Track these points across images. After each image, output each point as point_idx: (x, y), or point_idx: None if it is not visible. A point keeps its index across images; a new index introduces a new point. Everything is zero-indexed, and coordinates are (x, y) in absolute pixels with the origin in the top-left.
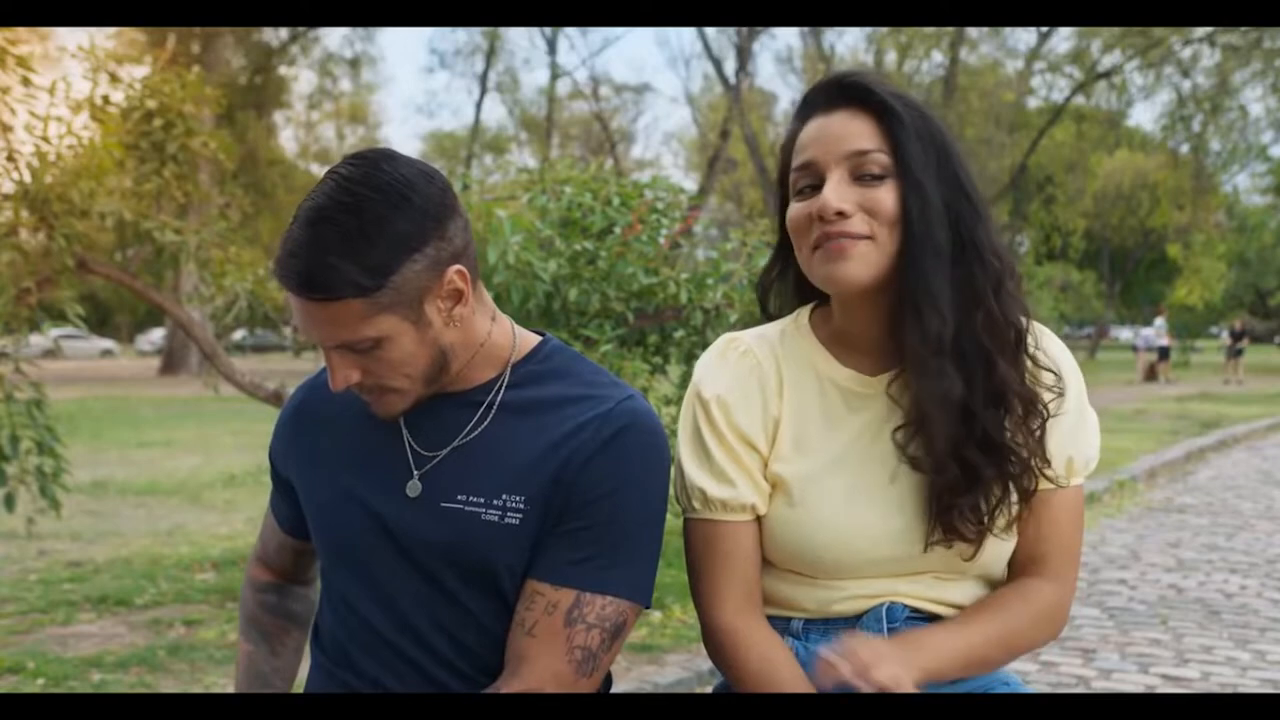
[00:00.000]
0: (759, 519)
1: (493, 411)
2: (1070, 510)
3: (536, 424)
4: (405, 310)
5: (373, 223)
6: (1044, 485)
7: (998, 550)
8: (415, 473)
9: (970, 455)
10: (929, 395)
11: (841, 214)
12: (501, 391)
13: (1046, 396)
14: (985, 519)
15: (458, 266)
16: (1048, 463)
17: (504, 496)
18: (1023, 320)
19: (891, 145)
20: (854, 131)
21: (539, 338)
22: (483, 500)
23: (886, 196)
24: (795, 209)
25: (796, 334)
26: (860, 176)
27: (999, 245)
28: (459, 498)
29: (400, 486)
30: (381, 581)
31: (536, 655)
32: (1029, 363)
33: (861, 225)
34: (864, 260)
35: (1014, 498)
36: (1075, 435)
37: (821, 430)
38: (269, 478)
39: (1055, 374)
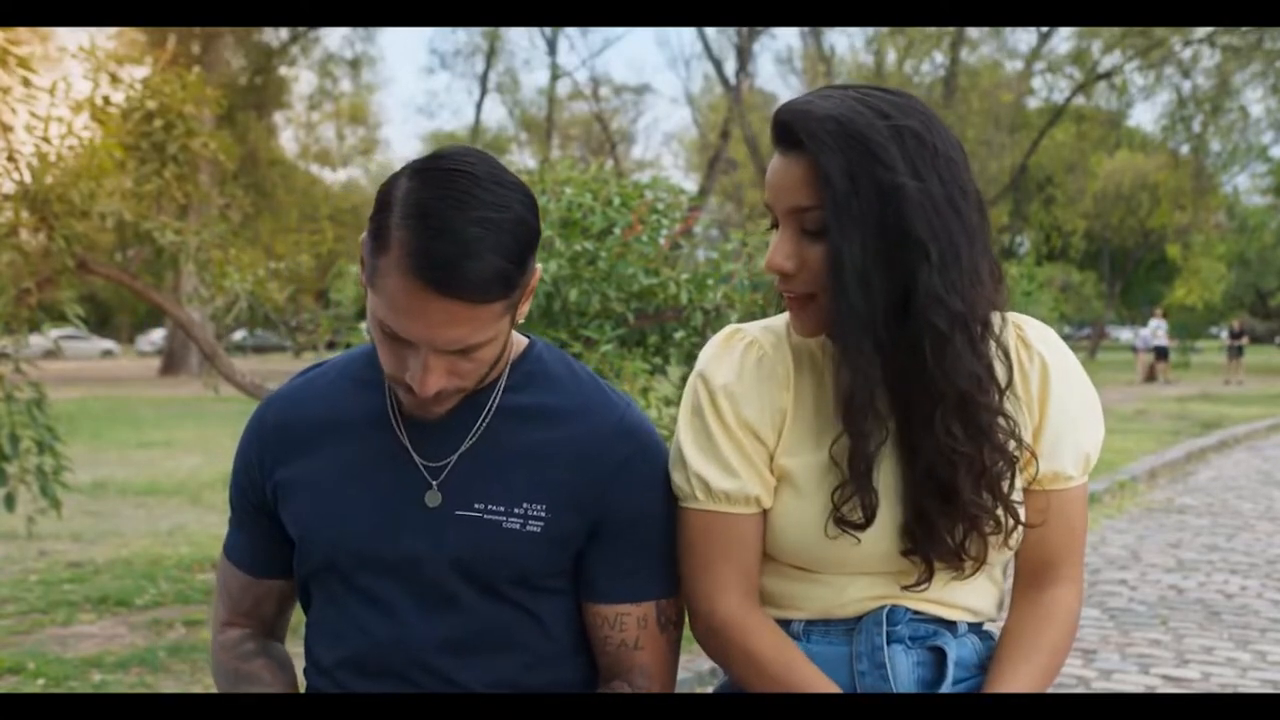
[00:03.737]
0: (763, 512)
1: (493, 412)
2: (1080, 506)
3: (545, 431)
4: (515, 310)
5: (518, 221)
6: (1058, 485)
7: (1002, 555)
8: (433, 482)
9: (923, 504)
10: (853, 454)
11: (784, 273)
12: (501, 393)
13: (1011, 444)
14: (962, 553)
15: (539, 265)
16: (1016, 512)
17: (524, 505)
18: (970, 378)
19: (823, 200)
20: (791, 183)
21: (526, 339)
22: (502, 509)
23: (821, 256)
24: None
25: None
26: (804, 230)
27: (949, 297)
28: (476, 506)
29: (415, 497)
30: (393, 596)
31: (654, 663)
32: (994, 408)
33: (804, 285)
34: (813, 318)
35: (988, 530)
36: (1087, 428)
37: (828, 425)
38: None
39: (1014, 429)
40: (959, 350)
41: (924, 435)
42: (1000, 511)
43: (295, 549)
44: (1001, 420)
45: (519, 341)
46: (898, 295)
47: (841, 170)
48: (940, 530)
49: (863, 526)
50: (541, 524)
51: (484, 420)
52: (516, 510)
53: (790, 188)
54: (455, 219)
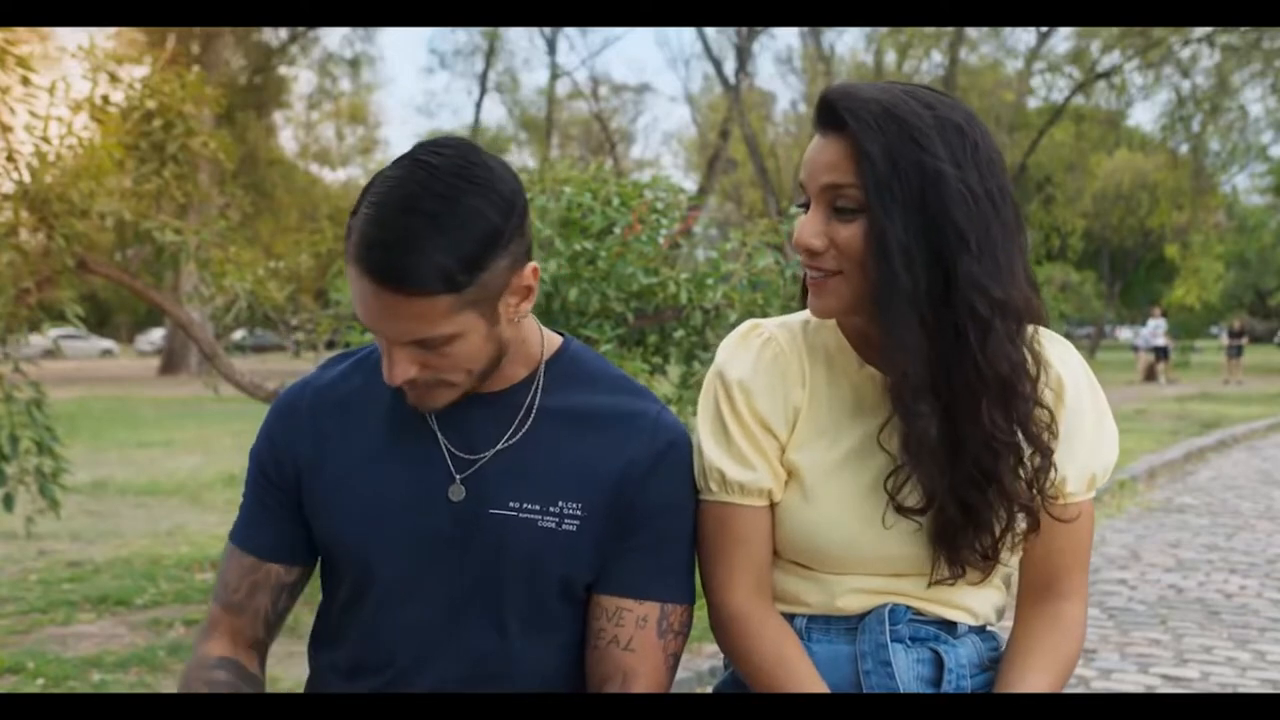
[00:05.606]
0: (773, 505)
1: (533, 414)
2: (1085, 522)
3: (581, 430)
4: (484, 307)
5: (469, 216)
6: (1062, 500)
7: (1011, 559)
8: (457, 476)
9: (967, 496)
10: (908, 437)
11: (811, 250)
12: (539, 393)
13: (1045, 436)
14: (991, 553)
15: (533, 264)
16: (1051, 500)
17: (560, 503)
18: (1012, 366)
19: (862, 178)
20: (829, 162)
21: (560, 337)
22: (538, 507)
23: (855, 235)
24: (796, 224)
25: (821, 326)
26: (837, 209)
27: (989, 284)
28: (510, 505)
29: (441, 491)
30: (423, 594)
31: (641, 668)
32: (1031, 398)
33: (831, 261)
34: (835, 295)
35: (1020, 528)
36: (1097, 449)
37: (840, 425)
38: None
39: (1051, 412)
40: (1000, 337)
41: (971, 427)
42: (1032, 505)
43: (315, 534)
44: (1038, 411)
45: (552, 340)
46: (938, 280)
47: (883, 151)
48: (981, 522)
49: (924, 510)
50: (578, 523)
51: (523, 420)
52: (552, 509)
53: (828, 165)
54: (398, 210)
